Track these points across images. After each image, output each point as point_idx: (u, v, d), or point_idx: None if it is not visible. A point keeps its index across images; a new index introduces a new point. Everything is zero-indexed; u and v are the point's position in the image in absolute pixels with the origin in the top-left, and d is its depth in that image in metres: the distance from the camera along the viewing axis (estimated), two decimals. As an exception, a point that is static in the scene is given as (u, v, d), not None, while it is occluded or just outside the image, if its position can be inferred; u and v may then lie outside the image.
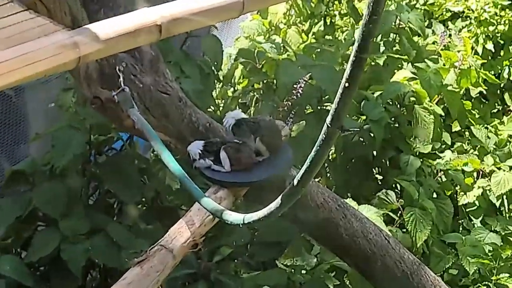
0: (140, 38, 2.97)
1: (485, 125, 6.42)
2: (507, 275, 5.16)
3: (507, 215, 5.57)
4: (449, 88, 6.22)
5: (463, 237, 5.28)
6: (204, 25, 3.26)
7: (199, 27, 3.38)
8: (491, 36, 6.69)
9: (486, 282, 5.06)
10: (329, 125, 2.45)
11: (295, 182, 2.83)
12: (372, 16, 2.26)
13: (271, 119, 4.53)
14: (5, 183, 5.66)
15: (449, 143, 6.04)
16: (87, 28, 2.91)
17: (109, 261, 5.13)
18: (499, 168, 5.74)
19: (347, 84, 2.36)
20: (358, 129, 5.55)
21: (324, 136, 2.51)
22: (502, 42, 6.78)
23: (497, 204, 5.67)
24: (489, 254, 5.18)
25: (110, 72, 4.34)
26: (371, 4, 2.21)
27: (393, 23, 6.48)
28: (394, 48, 6.44)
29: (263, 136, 4.28)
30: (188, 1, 3.08)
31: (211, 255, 5.18)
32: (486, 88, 6.52)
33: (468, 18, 6.83)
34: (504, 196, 5.65)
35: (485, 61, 6.56)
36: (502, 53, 6.78)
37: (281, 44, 6.61)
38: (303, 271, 5.02)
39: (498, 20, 6.68)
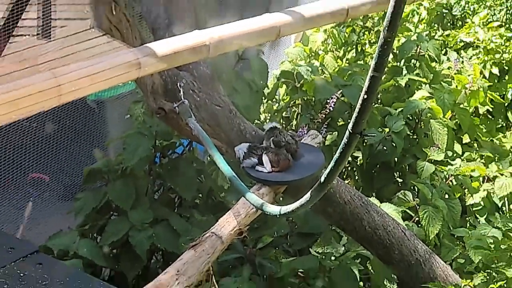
0: (192, 56, 2.98)
1: (491, 138, 6.38)
2: (505, 263, 5.13)
3: (508, 214, 5.53)
4: (461, 106, 6.19)
5: (470, 232, 5.23)
6: (246, 46, 3.26)
7: (242, 48, 3.38)
8: (497, 63, 6.63)
9: (488, 270, 5.02)
10: (350, 131, 2.44)
11: (322, 179, 2.82)
12: (386, 39, 2.24)
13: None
14: (84, 179, 5.75)
15: (460, 152, 6.00)
16: (148, 46, 2.93)
17: (169, 246, 5.18)
18: (501, 174, 5.70)
19: (365, 96, 2.35)
20: (375, 134, 5.53)
21: (346, 140, 2.50)
22: (506, 68, 6.72)
23: (499, 204, 5.63)
24: (491, 246, 5.14)
25: (172, 88, 4.39)
26: (386, 29, 2.19)
27: (414, 51, 6.45)
28: (415, 72, 6.41)
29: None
30: (233, 25, 3.09)
31: (255, 243, 5.19)
32: (492, 106, 6.46)
33: (477, 47, 6.78)
34: (506, 198, 5.61)
35: (492, 84, 6.50)
36: (506, 77, 6.72)
37: (319, 68, 6.61)
38: (333, 258, 5.01)
39: (503, 49, 6.64)
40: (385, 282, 4.95)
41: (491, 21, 6.97)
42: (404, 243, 4.70)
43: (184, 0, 5.01)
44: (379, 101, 6.22)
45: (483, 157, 6.01)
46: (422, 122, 5.94)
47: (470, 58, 6.76)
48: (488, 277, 4.97)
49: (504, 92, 6.62)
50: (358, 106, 2.38)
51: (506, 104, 6.65)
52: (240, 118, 4.70)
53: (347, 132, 2.46)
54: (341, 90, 5.77)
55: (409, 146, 5.81)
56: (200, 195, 5.69)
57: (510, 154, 6.08)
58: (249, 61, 6.30)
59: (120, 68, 2.88)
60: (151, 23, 4.63)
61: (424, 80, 6.27)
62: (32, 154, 6.54)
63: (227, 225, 3.93)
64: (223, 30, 3.04)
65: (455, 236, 5.34)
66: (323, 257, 5.04)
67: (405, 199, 5.39)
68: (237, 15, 3.74)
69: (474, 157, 5.98)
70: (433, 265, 4.70)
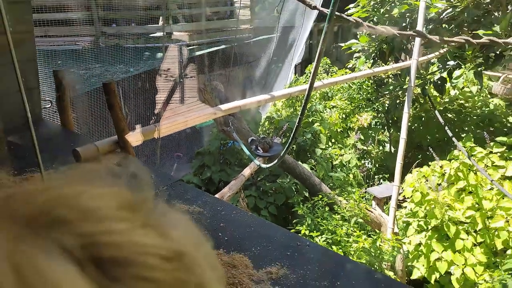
0: (234, 110, 2.97)
1: (342, 140, 6.34)
2: (347, 186, 5.13)
3: (347, 168, 5.48)
4: (331, 128, 6.17)
5: (334, 173, 5.24)
6: (254, 107, 3.24)
7: (252, 107, 3.35)
8: (344, 112, 6.56)
9: (341, 187, 5.01)
10: (291, 136, 2.43)
11: (281, 154, 2.79)
12: (305, 104, 2.22)
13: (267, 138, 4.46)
14: (195, 155, 5.68)
15: (330, 145, 5.97)
16: (219, 107, 2.91)
17: (226, 179, 5.09)
18: (345, 153, 5.69)
19: (297, 124, 2.32)
20: (298, 138, 5.49)
21: (289, 141, 2.48)
22: (348, 114, 6.64)
23: (346, 164, 5.60)
24: (342, 179, 5.14)
25: (227, 121, 4.35)
26: (304, 100, 2.17)
27: (314, 109, 6.40)
28: (314, 116, 6.34)
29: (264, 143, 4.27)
30: (249, 99, 3.07)
31: (257, 177, 5.16)
32: (342, 128, 6.42)
33: (336, 107, 6.70)
34: (348, 161, 5.57)
35: (342, 120, 6.45)
36: (348, 118, 6.61)
37: (280, 114, 6.56)
38: (285, 183, 4.99)
39: (346, 108, 6.55)
40: (304, 192, 4.94)
41: (343, 98, 6.89)
42: (311, 178, 4.66)
43: (230, 92, 5.01)
44: (301, 126, 6.16)
45: (339, 147, 5.98)
46: (317, 134, 5.92)
47: (335, 110, 6.71)
48: (342, 190, 4.97)
49: (348, 123, 6.57)
50: (294, 128, 2.37)
51: (348, 128, 6.62)
52: (251, 132, 4.67)
53: (291, 138, 2.46)
54: (288, 123, 5.72)
55: (313, 142, 5.77)
56: (237, 161, 5.65)
57: (349, 146, 6.04)
58: (255, 112, 6.31)
59: (207, 115, 2.88)
60: (219, 98, 4.62)
61: (319, 119, 6.24)
62: (176, 146, 6.56)
63: (247, 171, 3.93)
64: (245, 101, 3.04)
65: (329, 175, 5.33)
66: (282, 182, 5.03)
67: (312, 162, 5.36)
68: (251, 95, 3.74)
69: (335, 147, 5.95)
70: (322, 186, 4.66)
